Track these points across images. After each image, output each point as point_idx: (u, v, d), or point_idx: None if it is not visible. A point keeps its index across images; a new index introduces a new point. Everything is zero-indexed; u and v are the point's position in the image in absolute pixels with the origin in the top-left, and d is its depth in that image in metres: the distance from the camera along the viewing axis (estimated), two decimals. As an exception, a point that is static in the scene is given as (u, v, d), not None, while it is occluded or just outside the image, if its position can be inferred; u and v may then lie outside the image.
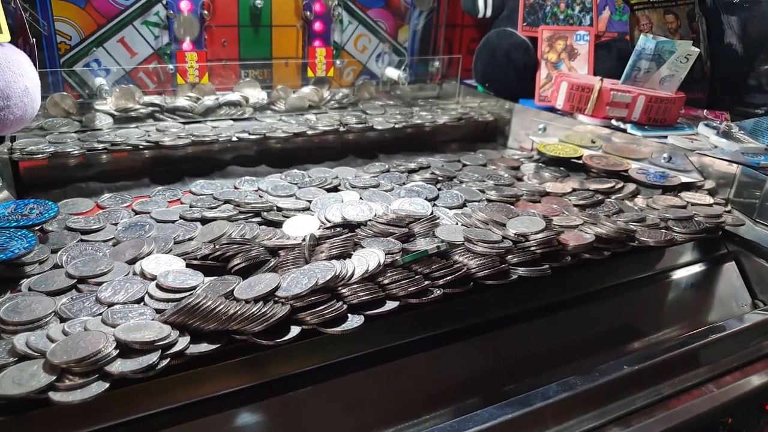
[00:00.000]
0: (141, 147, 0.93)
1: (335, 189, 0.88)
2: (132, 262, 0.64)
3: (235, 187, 0.88)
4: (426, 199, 0.83)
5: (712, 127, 1.04)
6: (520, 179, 0.97)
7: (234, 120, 1.09)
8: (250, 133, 1.01)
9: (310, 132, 1.06)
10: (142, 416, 0.52)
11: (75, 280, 0.59)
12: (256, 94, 1.15)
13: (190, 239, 0.70)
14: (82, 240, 0.69)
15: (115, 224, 0.73)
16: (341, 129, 1.09)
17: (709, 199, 0.88)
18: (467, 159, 1.06)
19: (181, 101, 1.07)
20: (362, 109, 1.23)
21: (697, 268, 0.85)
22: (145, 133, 0.98)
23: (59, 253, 0.65)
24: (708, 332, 0.68)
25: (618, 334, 0.77)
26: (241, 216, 0.76)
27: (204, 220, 0.75)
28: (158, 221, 0.75)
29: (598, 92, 1.07)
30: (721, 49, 1.26)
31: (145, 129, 1.00)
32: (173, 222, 0.74)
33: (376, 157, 1.12)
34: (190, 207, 0.79)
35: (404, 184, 0.91)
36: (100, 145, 0.90)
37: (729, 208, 0.87)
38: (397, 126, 1.15)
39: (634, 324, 0.79)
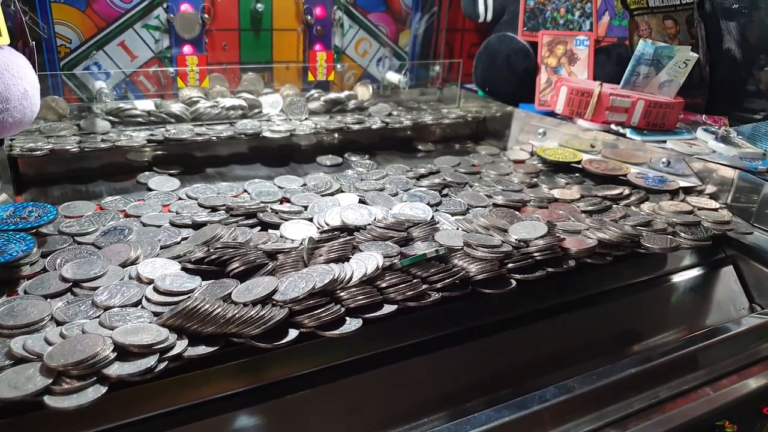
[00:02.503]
0: (140, 145, 0.95)
1: (333, 194, 0.89)
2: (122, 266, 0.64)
3: (234, 197, 0.87)
4: (428, 204, 0.83)
5: (710, 132, 1.04)
6: (535, 185, 0.96)
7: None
8: (245, 134, 1.03)
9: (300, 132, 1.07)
10: (140, 419, 0.52)
11: (69, 284, 0.59)
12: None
13: (176, 243, 0.70)
14: (76, 242, 0.69)
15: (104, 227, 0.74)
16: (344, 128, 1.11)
17: (715, 204, 0.88)
18: (490, 168, 1.06)
19: (175, 108, 1.07)
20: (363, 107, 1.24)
21: (695, 272, 0.85)
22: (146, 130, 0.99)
23: (50, 256, 0.65)
24: (705, 335, 0.68)
25: (617, 337, 0.77)
26: (233, 219, 0.76)
27: (196, 224, 0.75)
28: (145, 225, 0.75)
29: (598, 97, 1.07)
30: (719, 54, 1.26)
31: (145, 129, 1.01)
32: (159, 227, 0.74)
33: (373, 155, 1.13)
34: (177, 213, 0.78)
35: (409, 189, 0.91)
36: (102, 144, 0.92)
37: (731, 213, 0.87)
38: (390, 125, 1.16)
39: (632, 328, 0.79)
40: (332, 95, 1.21)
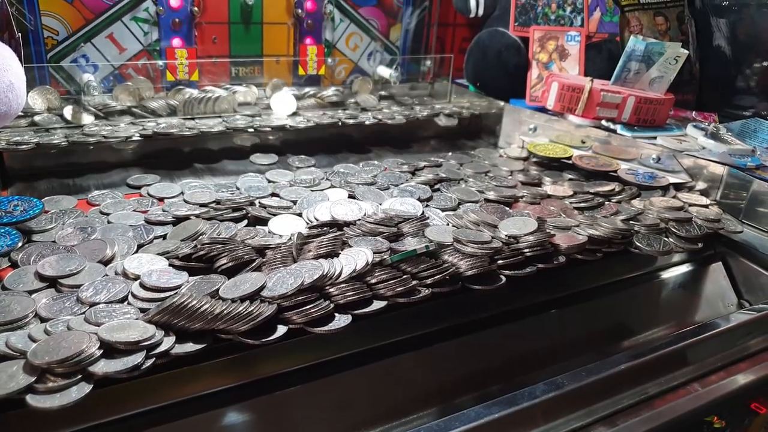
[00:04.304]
0: (129, 138, 0.94)
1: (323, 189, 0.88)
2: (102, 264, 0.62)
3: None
4: (419, 199, 0.83)
5: (700, 129, 1.05)
6: (536, 183, 0.95)
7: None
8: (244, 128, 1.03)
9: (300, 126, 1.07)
10: (127, 415, 0.51)
11: (47, 282, 0.58)
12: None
13: (149, 242, 0.68)
14: (31, 241, 0.67)
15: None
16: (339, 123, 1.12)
17: (705, 200, 0.88)
18: (500, 161, 1.06)
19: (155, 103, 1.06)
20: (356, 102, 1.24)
21: (684, 269, 0.86)
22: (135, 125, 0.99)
23: (23, 252, 0.63)
24: (694, 332, 0.68)
25: (606, 333, 0.77)
26: (217, 213, 0.75)
27: (178, 219, 0.73)
28: (110, 222, 0.73)
29: (589, 93, 1.07)
30: (709, 51, 1.27)
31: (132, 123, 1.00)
32: (131, 225, 0.71)
33: (369, 151, 1.14)
34: (163, 211, 0.76)
35: (399, 184, 0.90)
36: (90, 138, 0.91)
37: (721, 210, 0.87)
38: (381, 120, 1.15)
39: (622, 324, 0.79)
40: (332, 95, 1.21)
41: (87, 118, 0.98)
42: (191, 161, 1.00)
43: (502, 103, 1.25)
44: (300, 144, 1.10)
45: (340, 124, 1.11)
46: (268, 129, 1.05)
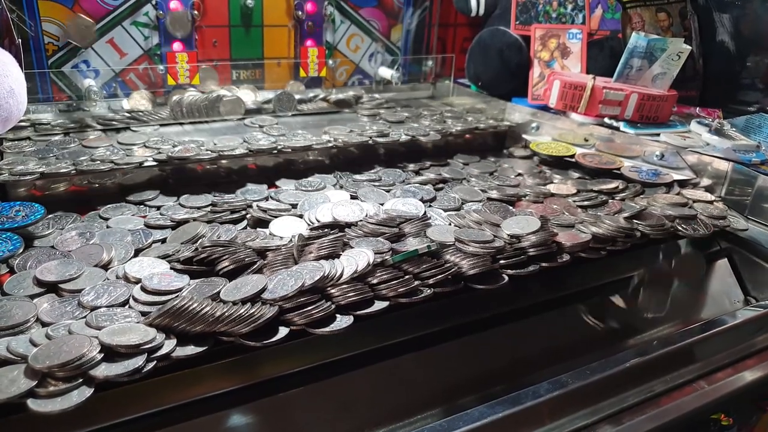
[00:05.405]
0: (142, 164, 0.85)
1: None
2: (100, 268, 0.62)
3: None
4: (421, 200, 0.82)
5: (704, 125, 1.04)
6: (543, 182, 0.94)
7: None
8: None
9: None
10: (128, 419, 0.51)
11: (45, 287, 0.58)
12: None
13: (148, 246, 0.67)
14: (28, 246, 0.66)
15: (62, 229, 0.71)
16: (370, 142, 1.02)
17: (710, 197, 0.88)
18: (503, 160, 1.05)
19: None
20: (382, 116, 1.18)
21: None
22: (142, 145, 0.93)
23: (19, 257, 0.63)
24: (700, 329, 0.68)
25: (611, 331, 0.77)
26: (216, 216, 0.75)
27: (176, 223, 0.73)
28: (109, 227, 0.72)
29: (591, 90, 1.06)
30: (713, 46, 1.26)
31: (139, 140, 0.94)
32: (130, 230, 0.70)
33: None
34: (162, 215, 0.76)
35: (402, 185, 0.89)
36: (102, 166, 0.83)
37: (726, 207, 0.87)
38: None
39: (627, 321, 0.78)
40: (341, 95, 1.20)
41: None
42: (210, 186, 0.87)
43: (506, 105, 1.24)
44: (326, 166, 0.99)
45: (370, 142, 1.01)
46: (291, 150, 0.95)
